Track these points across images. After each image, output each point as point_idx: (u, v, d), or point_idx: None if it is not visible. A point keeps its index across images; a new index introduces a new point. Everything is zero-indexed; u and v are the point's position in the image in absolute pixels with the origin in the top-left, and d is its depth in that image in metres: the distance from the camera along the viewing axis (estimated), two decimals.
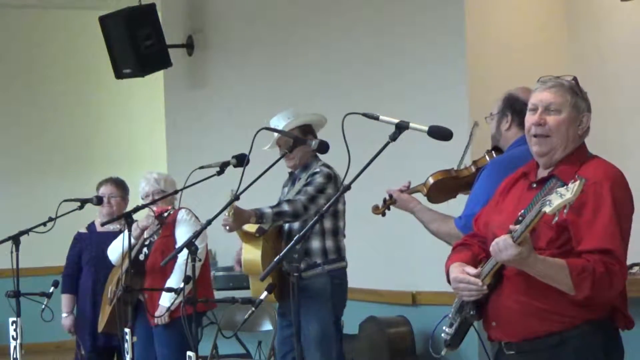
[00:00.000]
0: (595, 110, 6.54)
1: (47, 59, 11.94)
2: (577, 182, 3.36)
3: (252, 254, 5.83)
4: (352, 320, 6.87)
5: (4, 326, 6.48)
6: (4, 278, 6.89)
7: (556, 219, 3.43)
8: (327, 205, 3.99)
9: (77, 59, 11.98)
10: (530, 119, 3.79)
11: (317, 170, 5.91)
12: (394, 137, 3.98)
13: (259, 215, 5.70)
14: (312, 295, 5.77)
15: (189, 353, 5.02)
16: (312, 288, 5.80)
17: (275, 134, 5.90)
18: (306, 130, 5.98)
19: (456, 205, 5.12)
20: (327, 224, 5.87)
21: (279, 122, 5.98)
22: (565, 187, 3.38)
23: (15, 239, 6.24)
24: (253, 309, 4.55)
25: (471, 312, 3.77)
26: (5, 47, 11.77)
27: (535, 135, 3.78)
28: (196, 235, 5.19)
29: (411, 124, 3.99)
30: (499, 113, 4.73)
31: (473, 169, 4.93)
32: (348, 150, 4.00)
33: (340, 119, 3.99)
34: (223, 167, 5.56)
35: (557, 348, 3.66)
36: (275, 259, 3.90)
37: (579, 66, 6.82)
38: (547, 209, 3.37)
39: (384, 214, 5.12)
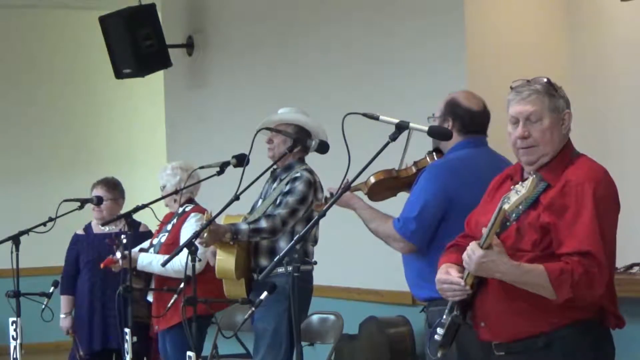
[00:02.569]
0: (596, 110, 6.54)
1: (47, 59, 11.93)
2: (531, 178, 3.46)
3: (225, 260, 5.71)
4: (352, 320, 6.87)
5: (4, 326, 6.48)
6: (4, 278, 6.88)
7: (511, 222, 3.52)
8: (327, 206, 3.99)
9: (77, 59, 11.97)
10: (513, 132, 3.76)
11: (298, 174, 5.72)
12: (394, 137, 3.99)
13: (234, 232, 5.58)
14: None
15: (188, 353, 5.02)
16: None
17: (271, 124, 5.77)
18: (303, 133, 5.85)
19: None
20: (299, 227, 5.70)
21: (283, 110, 5.89)
22: (521, 183, 3.45)
23: (15, 239, 6.24)
24: (253, 309, 4.55)
25: (457, 313, 3.75)
26: (5, 47, 11.75)
27: (522, 148, 3.76)
28: (196, 235, 5.20)
29: (411, 124, 4.01)
30: (440, 117, 4.77)
31: (414, 169, 4.96)
32: (348, 150, 4.00)
33: (340, 119, 4.00)
34: (223, 167, 5.57)
35: (545, 349, 3.65)
36: (274, 259, 3.90)
37: (579, 66, 6.82)
38: (506, 206, 3.43)
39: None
